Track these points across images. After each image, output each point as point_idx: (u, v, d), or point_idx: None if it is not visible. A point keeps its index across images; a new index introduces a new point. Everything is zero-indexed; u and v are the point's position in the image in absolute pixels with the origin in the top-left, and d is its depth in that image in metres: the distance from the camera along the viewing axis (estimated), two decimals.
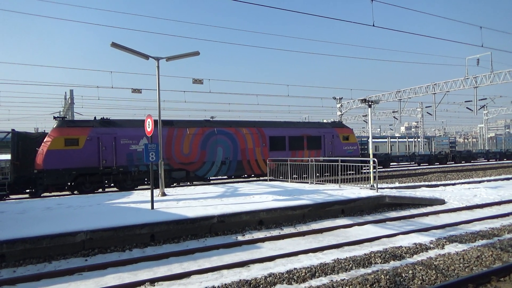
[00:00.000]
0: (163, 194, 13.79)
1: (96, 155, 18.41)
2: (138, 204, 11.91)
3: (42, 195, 18.03)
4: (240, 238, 9.32)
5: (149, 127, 11.75)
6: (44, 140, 17.79)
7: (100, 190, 19.26)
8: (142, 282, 6.17)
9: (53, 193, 18.59)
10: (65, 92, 34.03)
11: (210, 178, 22.43)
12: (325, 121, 34.51)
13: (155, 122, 12.62)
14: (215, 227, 9.85)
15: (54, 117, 19.00)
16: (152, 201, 10.87)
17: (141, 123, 20.12)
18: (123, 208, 11.06)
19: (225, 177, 23.42)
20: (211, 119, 24.00)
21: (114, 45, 12.38)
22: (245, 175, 23.99)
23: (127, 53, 13.13)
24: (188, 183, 22.03)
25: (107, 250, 8.34)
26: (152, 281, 6.24)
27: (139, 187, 19.84)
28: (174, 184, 21.14)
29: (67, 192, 18.89)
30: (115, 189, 19.77)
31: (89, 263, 7.39)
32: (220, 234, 9.70)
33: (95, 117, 19.85)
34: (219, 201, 12.12)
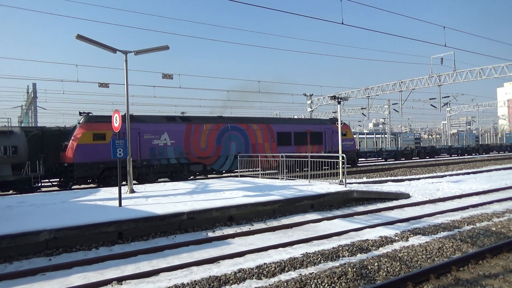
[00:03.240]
0: (132, 191, 13.53)
1: None
2: (105, 201, 11.63)
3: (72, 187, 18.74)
4: (210, 234, 9.30)
5: (116, 122, 11.47)
6: (74, 135, 18.36)
7: (124, 182, 19.29)
8: (109, 281, 6.04)
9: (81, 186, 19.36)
10: (28, 86, 32.69)
11: (224, 171, 23.28)
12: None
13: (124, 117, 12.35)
14: (185, 224, 9.77)
15: (80, 113, 19.78)
16: (120, 198, 10.65)
17: (162, 118, 21.49)
18: (90, 206, 10.77)
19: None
20: (223, 116, 25.41)
21: (80, 37, 11.97)
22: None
23: (94, 46, 12.73)
24: (203, 176, 23.07)
25: (72, 249, 8.10)
26: (120, 279, 6.12)
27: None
28: (191, 177, 22.17)
29: (93, 185, 19.54)
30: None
31: (53, 263, 7.15)
32: (190, 231, 9.63)
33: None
34: (189, 197, 12.03)
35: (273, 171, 20.31)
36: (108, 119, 19.55)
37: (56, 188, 19.39)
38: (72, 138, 18.24)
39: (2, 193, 17.37)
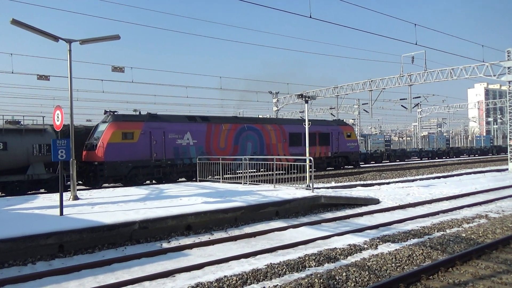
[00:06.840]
0: (75, 198, 13.04)
1: (148, 148, 20.65)
2: (44, 210, 11.14)
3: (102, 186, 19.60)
4: (165, 245, 9.15)
5: (58, 120, 11.04)
6: (103, 133, 19.44)
7: (148, 182, 21.16)
8: None
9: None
10: None
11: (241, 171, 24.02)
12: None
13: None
14: (137, 234, 9.55)
15: (105, 111, 20.70)
16: (61, 206, 10.24)
17: (184, 118, 23.16)
18: (25, 215, 10.28)
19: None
20: (240, 116, 26.68)
21: (15, 22, 11.43)
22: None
23: (32, 33, 12.18)
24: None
25: (4, 264, 7.70)
26: None
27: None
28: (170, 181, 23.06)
29: (120, 184, 20.18)
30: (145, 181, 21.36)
31: None
32: (142, 242, 9.43)
33: (139, 112, 21.96)
34: (142, 204, 11.77)
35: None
36: (136, 117, 21.29)
37: (82, 187, 19.67)
38: (102, 137, 19.24)
39: (32, 192, 17.77)
